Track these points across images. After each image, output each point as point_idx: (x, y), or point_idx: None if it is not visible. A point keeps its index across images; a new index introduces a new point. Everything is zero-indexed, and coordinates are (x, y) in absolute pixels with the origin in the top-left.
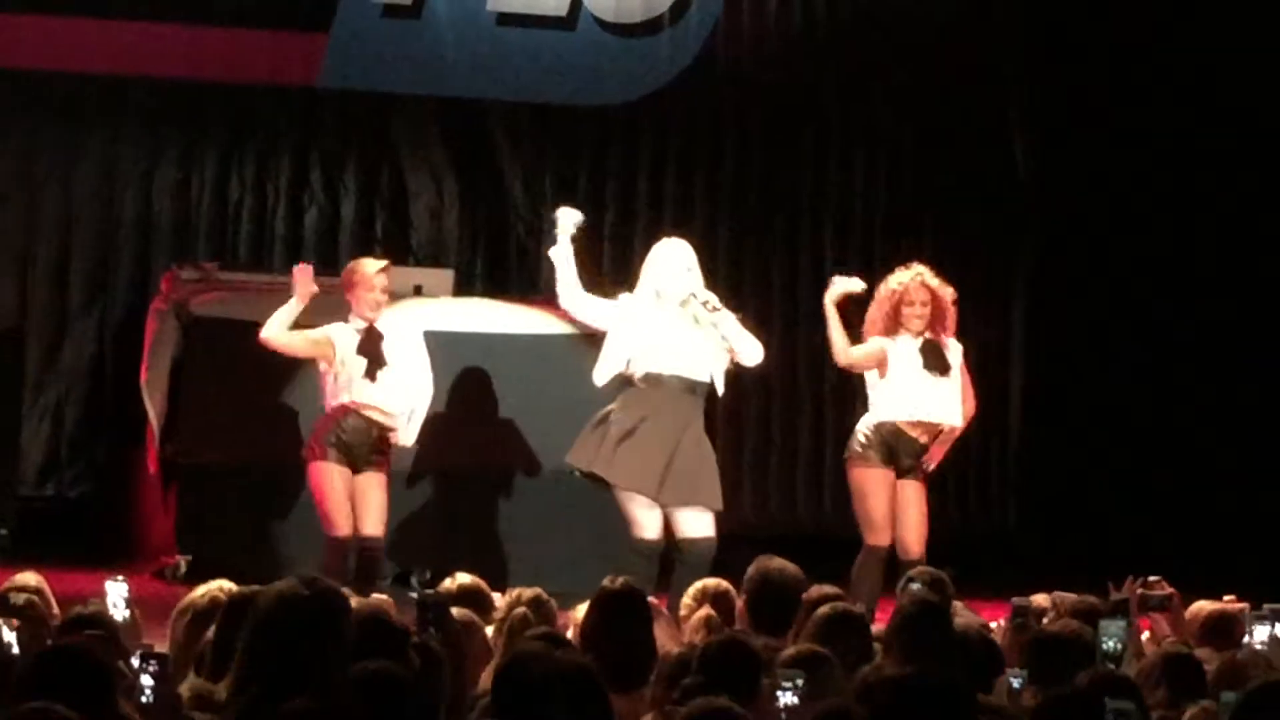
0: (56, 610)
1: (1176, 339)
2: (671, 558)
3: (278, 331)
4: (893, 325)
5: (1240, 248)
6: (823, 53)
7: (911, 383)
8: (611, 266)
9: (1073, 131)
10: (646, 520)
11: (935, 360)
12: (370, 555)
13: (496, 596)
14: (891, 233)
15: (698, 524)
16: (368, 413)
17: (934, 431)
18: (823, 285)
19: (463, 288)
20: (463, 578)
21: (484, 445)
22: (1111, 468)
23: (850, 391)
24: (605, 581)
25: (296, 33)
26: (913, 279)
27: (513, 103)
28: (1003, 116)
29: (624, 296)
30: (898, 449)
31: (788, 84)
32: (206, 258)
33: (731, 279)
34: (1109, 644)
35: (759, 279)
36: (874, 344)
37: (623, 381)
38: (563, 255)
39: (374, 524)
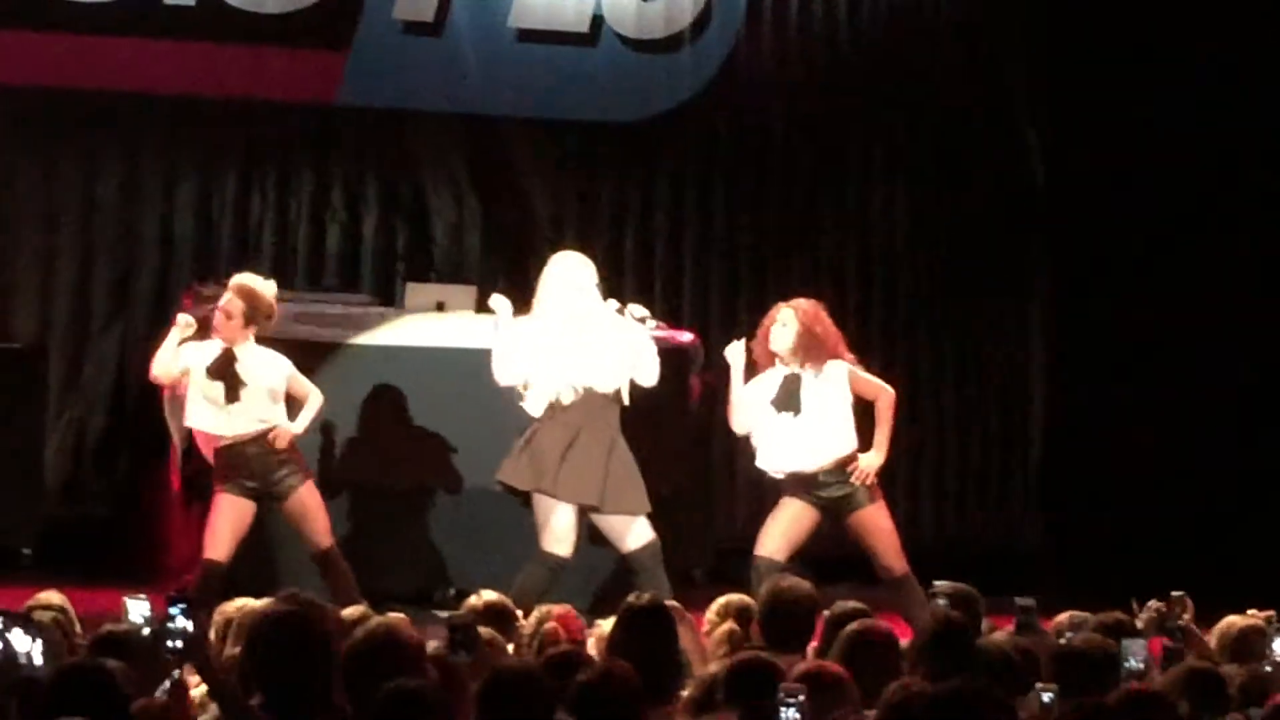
0: (79, 629)
1: (1201, 350)
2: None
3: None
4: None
5: (1267, 254)
6: (843, 67)
7: (766, 428)
8: (633, 282)
9: (1090, 142)
10: (566, 537)
11: (787, 398)
12: (334, 566)
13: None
14: (912, 243)
15: (638, 533)
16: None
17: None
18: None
19: (485, 304)
20: (488, 595)
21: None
22: (1134, 483)
23: (870, 407)
24: (631, 597)
25: (317, 50)
26: (775, 310)
27: (534, 119)
28: (1020, 127)
29: (522, 320)
30: (808, 489)
31: (808, 98)
32: (227, 275)
33: (753, 293)
34: (1132, 663)
35: (781, 293)
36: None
37: (550, 401)
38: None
39: (323, 535)
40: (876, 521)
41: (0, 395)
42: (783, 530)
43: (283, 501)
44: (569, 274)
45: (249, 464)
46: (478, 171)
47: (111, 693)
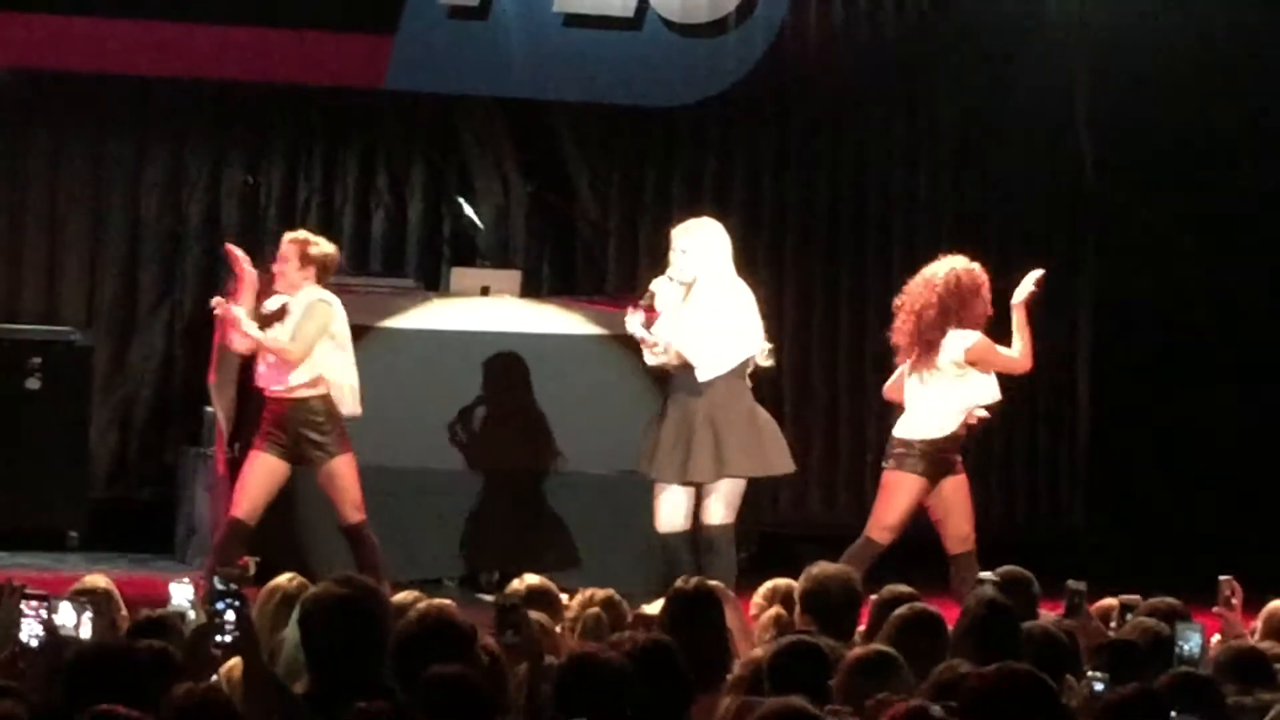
0: (125, 613)
1: (1246, 336)
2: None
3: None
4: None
5: None
6: (888, 53)
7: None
8: None
9: (1139, 132)
10: (664, 513)
11: None
12: (361, 541)
13: (564, 597)
14: (957, 234)
15: (710, 511)
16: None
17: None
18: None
19: (529, 289)
20: (531, 579)
21: (543, 446)
22: (1180, 468)
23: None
24: (679, 581)
25: (363, 34)
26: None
27: (579, 104)
28: (1068, 118)
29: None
30: (941, 454)
31: (853, 83)
32: (273, 260)
33: (799, 281)
34: (1185, 648)
35: (826, 281)
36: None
37: None
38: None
39: (354, 509)
40: (957, 494)
41: (47, 379)
42: (900, 514)
43: (318, 466)
44: (684, 238)
45: (285, 423)
46: (523, 156)
47: (137, 676)
